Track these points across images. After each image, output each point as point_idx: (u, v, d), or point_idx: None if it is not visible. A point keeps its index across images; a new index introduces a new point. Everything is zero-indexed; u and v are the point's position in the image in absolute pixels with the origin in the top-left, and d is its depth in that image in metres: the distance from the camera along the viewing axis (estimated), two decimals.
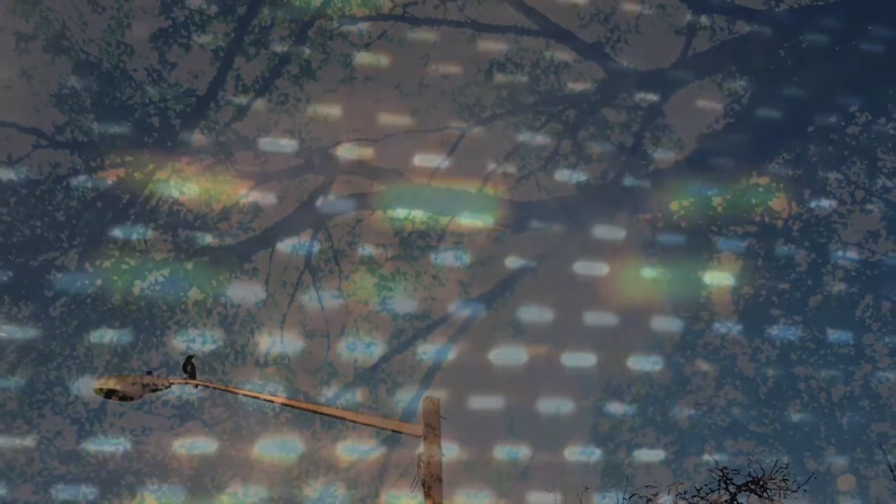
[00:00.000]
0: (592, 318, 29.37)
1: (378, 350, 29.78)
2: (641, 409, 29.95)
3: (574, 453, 29.41)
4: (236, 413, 28.91)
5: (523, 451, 29.53)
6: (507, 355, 29.44)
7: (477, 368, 29.35)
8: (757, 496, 15.70)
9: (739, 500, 15.72)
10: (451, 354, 29.97)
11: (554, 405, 29.23)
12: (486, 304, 30.38)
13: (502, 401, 28.98)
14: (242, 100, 29.72)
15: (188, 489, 28.54)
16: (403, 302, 29.95)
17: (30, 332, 28.07)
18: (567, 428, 29.50)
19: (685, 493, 15.82)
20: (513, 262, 30.55)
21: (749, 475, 15.73)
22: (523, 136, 30.63)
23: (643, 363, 29.99)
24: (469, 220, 30.32)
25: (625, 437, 29.85)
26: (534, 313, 29.91)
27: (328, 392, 29.41)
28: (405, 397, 29.67)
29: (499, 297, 30.46)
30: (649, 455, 29.60)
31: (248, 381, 28.96)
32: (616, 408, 30.01)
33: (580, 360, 29.48)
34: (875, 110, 30.57)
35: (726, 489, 15.70)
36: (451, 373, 29.77)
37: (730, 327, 30.24)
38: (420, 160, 30.12)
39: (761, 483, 15.66)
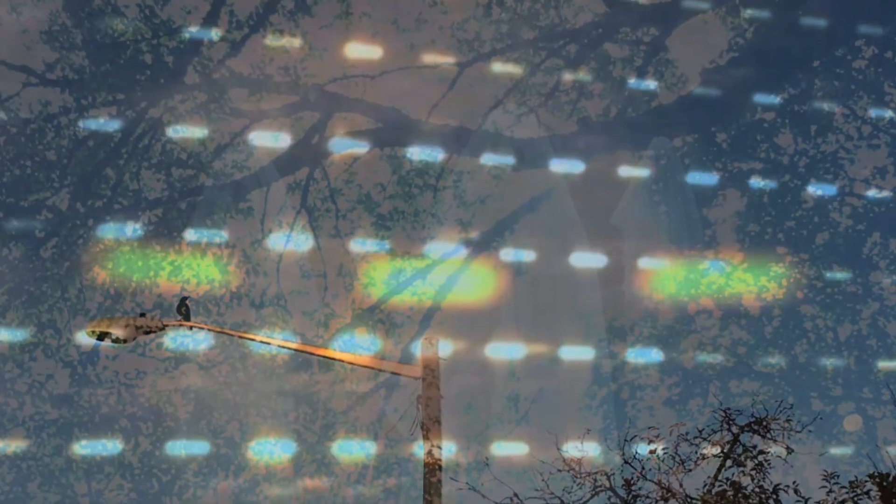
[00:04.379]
0: (592, 258, 29.13)
1: (376, 290, 29.35)
2: (644, 351, 29.53)
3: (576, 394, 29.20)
4: (232, 356, 28.68)
5: (524, 394, 29.36)
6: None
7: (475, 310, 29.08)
8: (760, 437, 15.71)
9: (742, 441, 15.70)
10: (450, 295, 29.61)
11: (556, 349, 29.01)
12: (486, 243, 29.96)
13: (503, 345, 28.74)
14: (236, 36, 29.20)
15: (185, 433, 28.23)
16: (401, 241, 29.57)
17: (21, 274, 27.73)
18: (571, 370, 29.28)
19: (687, 433, 15.85)
20: (513, 200, 30.18)
21: (752, 416, 15.76)
22: (523, 73, 30.15)
23: (646, 303, 29.64)
24: (468, 158, 29.91)
25: (628, 378, 29.44)
26: (533, 253, 29.60)
27: (326, 334, 29.12)
28: (404, 339, 29.37)
29: (498, 236, 30.05)
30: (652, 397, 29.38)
31: (243, 322, 28.70)
32: (619, 348, 29.66)
33: (580, 300, 29.16)
34: (882, 44, 30.13)
35: (729, 430, 15.70)
36: (450, 314, 29.45)
37: (734, 266, 29.78)
38: (418, 96, 29.76)
39: (764, 424, 15.69)
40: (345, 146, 29.60)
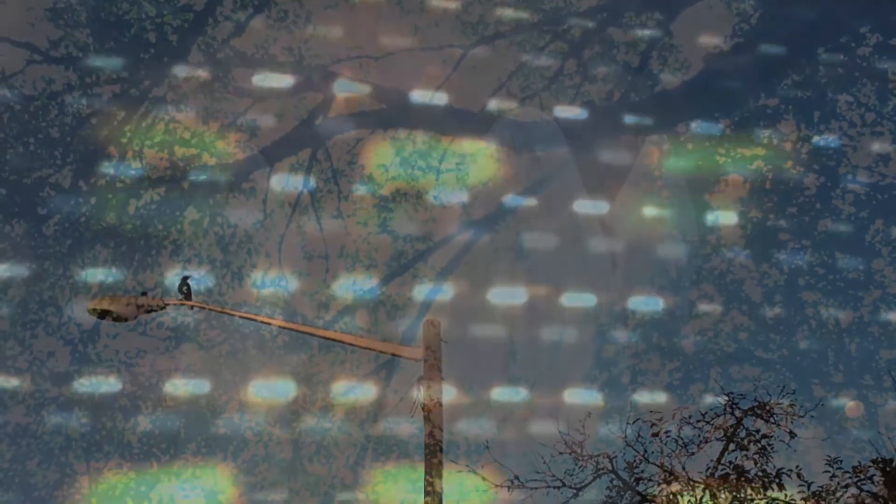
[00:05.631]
0: (596, 243, 29.05)
1: (378, 272, 29.35)
2: (645, 336, 29.44)
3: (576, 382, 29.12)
4: (232, 336, 28.59)
5: (525, 379, 29.15)
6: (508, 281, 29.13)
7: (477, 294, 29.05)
8: (763, 421, 15.72)
9: (745, 425, 15.73)
10: (452, 278, 29.57)
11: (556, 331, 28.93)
12: (489, 226, 29.86)
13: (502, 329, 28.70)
14: (241, 16, 29.09)
15: (183, 413, 28.21)
16: (403, 223, 29.44)
17: (22, 251, 27.68)
18: (570, 352, 29.22)
19: (690, 417, 15.89)
20: (515, 184, 30.08)
21: (755, 400, 15.82)
22: (527, 56, 30.05)
23: (648, 288, 29.55)
24: (471, 141, 29.74)
25: (629, 363, 29.37)
26: (536, 237, 29.52)
27: (326, 315, 29.02)
28: (405, 321, 29.26)
29: (501, 219, 29.99)
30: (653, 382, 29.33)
31: (244, 303, 28.60)
32: (619, 334, 29.57)
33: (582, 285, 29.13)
34: (886, 31, 29.96)
35: (732, 414, 15.73)
36: (452, 298, 29.39)
37: (737, 252, 29.72)
38: (421, 79, 29.65)
39: (767, 408, 15.73)
40: (348, 127, 29.51)
